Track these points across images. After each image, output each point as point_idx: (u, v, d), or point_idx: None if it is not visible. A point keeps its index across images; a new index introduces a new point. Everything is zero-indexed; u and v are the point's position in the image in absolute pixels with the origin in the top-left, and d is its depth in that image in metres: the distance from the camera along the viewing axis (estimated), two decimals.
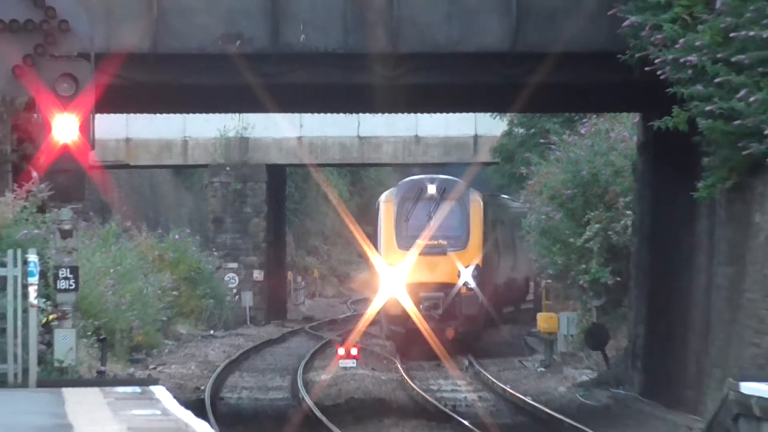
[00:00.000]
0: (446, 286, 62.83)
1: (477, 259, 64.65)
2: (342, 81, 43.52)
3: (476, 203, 65.79)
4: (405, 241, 63.04)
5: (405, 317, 59.79)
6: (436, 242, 62.38)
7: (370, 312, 63.08)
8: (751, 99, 33.66)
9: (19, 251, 29.77)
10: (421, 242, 61.89)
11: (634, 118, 52.87)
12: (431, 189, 64.48)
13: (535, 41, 41.17)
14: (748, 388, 29.20)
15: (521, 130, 69.68)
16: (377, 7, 41.64)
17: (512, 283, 77.38)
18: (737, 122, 34.27)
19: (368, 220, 74.97)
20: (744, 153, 34.54)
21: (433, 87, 46.16)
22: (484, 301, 65.00)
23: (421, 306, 59.88)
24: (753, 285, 36.19)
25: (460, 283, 62.81)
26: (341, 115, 72.07)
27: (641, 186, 50.40)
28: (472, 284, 63.45)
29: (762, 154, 34.02)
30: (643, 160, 49.74)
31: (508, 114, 66.91)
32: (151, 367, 53.55)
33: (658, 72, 35.85)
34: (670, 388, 45.24)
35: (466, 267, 63.36)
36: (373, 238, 68.21)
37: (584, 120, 58.28)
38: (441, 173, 70.23)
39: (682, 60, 34.85)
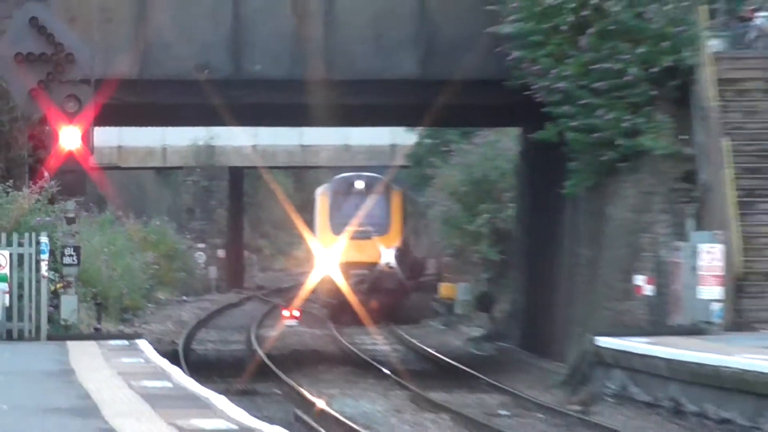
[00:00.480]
0: (371, 265, 61.94)
1: (396, 243, 64.04)
2: (289, 102, 44.30)
3: (396, 196, 65.21)
4: (337, 227, 62.02)
5: (337, 291, 59.24)
6: (363, 228, 61.30)
7: (309, 285, 61.64)
8: (606, 117, 35.90)
9: (33, 234, 30.85)
10: (350, 228, 61.18)
11: (517, 131, 52.65)
12: (359, 184, 64.21)
13: (440, 71, 41.22)
14: (602, 341, 31.79)
15: (429, 140, 69.41)
16: (316, 43, 41.92)
17: (422, 260, 76.75)
18: (596, 135, 36.03)
19: (308, 210, 72.55)
20: (601, 159, 36.83)
21: (360, 107, 47.38)
22: (402, 277, 64.06)
23: (350, 281, 59.05)
24: (606, 263, 38.63)
25: (383, 262, 62.33)
26: (288, 128, 71.74)
27: (521, 185, 51.85)
28: (393, 263, 62.84)
29: (614, 160, 36.88)
30: (523, 164, 51.01)
31: (418, 128, 65.28)
32: (136, 325, 51.46)
33: (535, 96, 36.81)
34: (541, 342, 45.89)
35: (388, 249, 62.82)
36: (310, 224, 66.43)
37: (478, 132, 59.59)
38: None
39: (553, 86, 36.32)
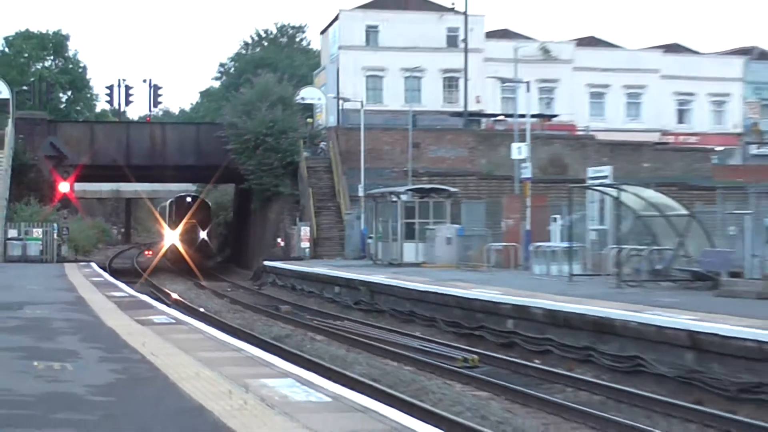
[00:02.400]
0: (193, 239, 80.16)
1: (208, 229, 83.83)
2: (151, 172, 79.31)
3: (208, 205, 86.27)
4: (177, 220, 78.84)
5: (178, 253, 74.65)
6: (191, 220, 79.53)
7: (162, 249, 79.74)
8: (267, 179, 66.35)
9: (50, 223, 59.71)
10: (185, 220, 78.39)
11: (234, 185, 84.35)
12: (188, 198, 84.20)
13: (205, 162, 72.91)
14: (266, 263, 59.47)
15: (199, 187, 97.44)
16: (160, 151, 73.85)
17: (216, 238, 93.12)
18: (263, 186, 67.12)
19: (161, 214, 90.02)
20: (265, 195, 68.25)
21: (174, 173, 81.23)
22: (212, 247, 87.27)
23: (184, 246, 75.22)
24: (267, 234, 71.22)
25: (201, 237, 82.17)
26: (151, 183, 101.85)
27: (235, 204, 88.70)
28: (207, 239, 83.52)
29: (270, 195, 68.03)
30: (236, 197, 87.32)
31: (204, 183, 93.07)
32: (90, 257, 68.96)
33: (241, 170, 67.30)
34: (242, 261, 77.31)
35: (204, 231, 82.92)
36: (163, 219, 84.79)
37: (218, 186, 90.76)
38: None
39: (246, 169, 66.16)
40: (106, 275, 45.53)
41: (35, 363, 15.55)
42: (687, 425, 18.24)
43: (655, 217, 38.40)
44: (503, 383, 22.67)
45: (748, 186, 41.36)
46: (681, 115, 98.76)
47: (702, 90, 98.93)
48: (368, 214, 58.45)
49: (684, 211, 37.75)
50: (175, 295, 46.43)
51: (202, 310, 40.16)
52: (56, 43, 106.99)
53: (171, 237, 75.89)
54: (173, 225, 76.96)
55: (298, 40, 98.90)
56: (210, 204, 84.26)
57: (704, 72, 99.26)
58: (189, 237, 76.79)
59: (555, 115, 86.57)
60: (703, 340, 21.71)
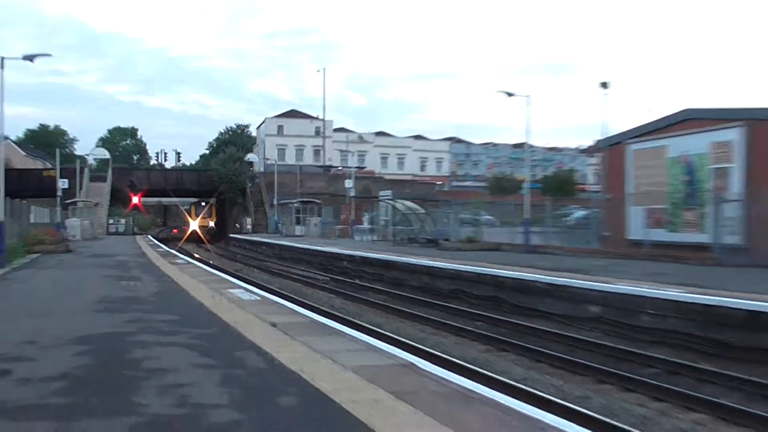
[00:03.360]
0: (207, 226, 68.65)
1: (214, 220, 73.40)
2: (167, 194, 73.51)
3: (212, 205, 71.81)
4: (198, 215, 69.40)
5: (197, 233, 61.32)
6: (205, 217, 69.05)
7: (188, 232, 64.17)
8: (231, 194, 69.10)
9: (129, 217, 63.76)
10: (200, 217, 69.13)
11: (215, 198, 69.09)
12: (203, 203, 72.07)
13: (203, 188, 69.91)
14: (231, 235, 60.64)
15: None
16: (180, 182, 73.89)
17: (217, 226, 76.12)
18: (230, 199, 69.31)
19: (187, 212, 74.75)
20: (231, 203, 69.90)
21: (192, 193, 75.11)
22: (216, 230, 72.30)
23: (201, 231, 62.03)
24: (232, 221, 71.60)
25: (211, 224, 70.97)
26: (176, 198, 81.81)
27: (217, 208, 74.51)
28: (213, 225, 72.27)
29: (232, 204, 70.56)
30: (218, 204, 72.86)
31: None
32: (147, 233, 63.44)
33: (220, 190, 66.40)
34: (223, 237, 68.19)
35: (212, 222, 72.34)
36: (188, 215, 72.12)
37: (208, 200, 70.82)
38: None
39: (223, 189, 66.43)
40: (155, 241, 45.97)
41: (122, 282, 15.85)
42: (422, 308, 19.14)
43: (410, 214, 41.80)
44: (341, 290, 23.53)
45: (452, 200, 45.35)
46: (422, 167, 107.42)
47: (431, 155, 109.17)
48: (279, 212, 63.33)
49: (423, 211, 41.90)
50: (183, 250, 43.00)
51: (197, 256, 38.26)
52: (132, 133, 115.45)
53: (193, 225, 67.57)
54: (194, 217, 69.92)
55: (246, 130, 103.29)
56: (215, 205, 74.74)
57: (433, 147, 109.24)
58: (203, 224, 68.61)
59: (364, 167, 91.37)
60: (433, 270, 22.55)
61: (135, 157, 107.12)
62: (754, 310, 11.45)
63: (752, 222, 21.57)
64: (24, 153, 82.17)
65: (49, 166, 64.56)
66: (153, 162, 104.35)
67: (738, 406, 8.65)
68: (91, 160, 67.64)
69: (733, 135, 22.54)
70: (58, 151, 50.89)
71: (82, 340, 8.26)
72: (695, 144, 24.00)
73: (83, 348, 7.75)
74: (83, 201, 53.17)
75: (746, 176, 22.11)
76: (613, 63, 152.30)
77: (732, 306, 11.92)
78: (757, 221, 21.41)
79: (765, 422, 8.09)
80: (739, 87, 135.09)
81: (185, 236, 60.88)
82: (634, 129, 27.78)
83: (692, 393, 9.31)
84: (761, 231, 21.28)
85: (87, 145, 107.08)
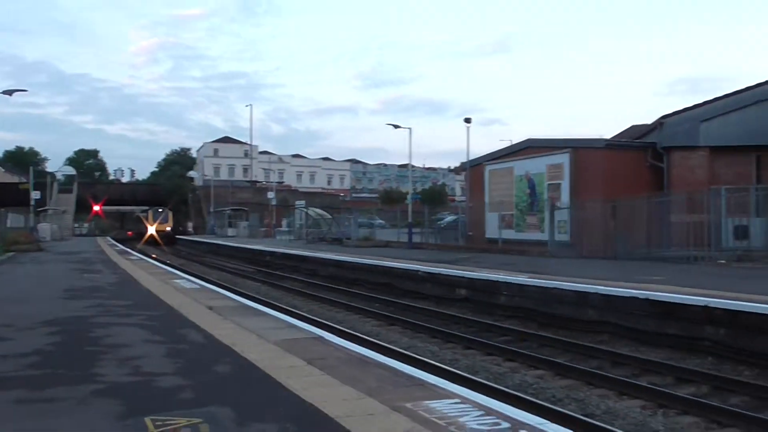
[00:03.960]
0: (165, 231, 59.40)
1: (171, 225, 61.86)
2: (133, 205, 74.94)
3: (170, 212, 62.92)
4: (156, 220, 60.40)
5: (153, 237, 56.51)
6: (162, 222, 60.96)
7: (145, 236, 57.27)
8: (177, 205, 64.90)
9: (92, 222, 65.16)
10: (157, 222, 60.38)
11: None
12: (159, 209, 62.94)
13: (156, 198, 68.31)
14: (179, 237, 53.63)
15: None
16: (135, 193, 70.79)
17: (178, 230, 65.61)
18: (175, 207, 63.61)
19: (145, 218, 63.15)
20: (177, 210, 65.23)
21: (145, 202, 70.48)
22: (173, 234, 60.18)
23: (158, 235, 56.60)
24: (187, 223, 67.64)
25: (168, 230, 60.10)
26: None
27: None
28: (170, 230, 60.72)
29: (177, 211, 64.67)
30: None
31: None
32: (107, 236, 58.97)
33: (169, 201, 64.92)
34: (176, 241, 56.49)
35: (168, 228, 61.34)
36: (146, 220, 61.80)
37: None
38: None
39: (171, 199, 63.86)
40: (113, 242, 44.83)
41: (84, 274, 15.13)
42: (331, 293, 18.24)
43: (320, 219, 42.48)
44: (265, 280, 22.53)
45: (352, 208, 43.97)
46: (328, 182, 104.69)
47: (336, 173, 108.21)
48: (214, 218, 62.93)
49: (330, 216, 42.46)
50: (138, 250, 39.58)
51: (153, 255, 35.78)
52: (94, 154, 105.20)
53: (151, 230, 60.72)
54: (151, 223, 62.08)
55: (188, 152, 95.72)
56: (171, 211, 65.63)
57: (337, 166, 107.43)
58: (160, 230, 61.14)
59: (283, 182, 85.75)
60: (339, 262, 22.27)
61: (97, 174, 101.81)
62: (580, 291, 11.94)
63: (576, 224, 22.27)
64: (3, 170, 76.36)
65: (24, 180, 63.11)
66: (112, 177, 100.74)
67: (568, 363, 9.03)
68: (59, 176, 65.13)
69: (563, 159, 23.43)
70: (31, 168, 49.13)
71: (52, 322, 8.02)
72: (535, 165, 24.80)
73: (53, 329, 7.51)
74: (53, 209, 51.80)
75: (572, 190, 22.95)
76: (476, 103, 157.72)
77: (563, 288, 12.38)
78: (580, 224, 22.14)
79: (588, 375, 8.37)
80: (570, 120, 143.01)
81: (143, 239, 56.91)
82: (490, 154, 28.71)
83: (535, 354, 9.66)
84: (583, 231, 22.05)
85: (56, 164, 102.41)
